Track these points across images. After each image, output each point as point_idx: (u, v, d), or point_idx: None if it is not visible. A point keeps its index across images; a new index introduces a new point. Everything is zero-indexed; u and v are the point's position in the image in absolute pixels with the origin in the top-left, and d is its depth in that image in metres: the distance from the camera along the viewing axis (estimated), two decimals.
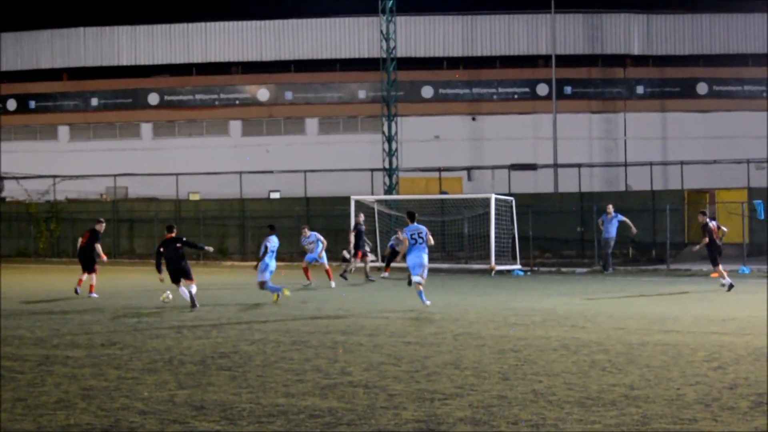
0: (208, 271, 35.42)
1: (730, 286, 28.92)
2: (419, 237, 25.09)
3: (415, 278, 25.07)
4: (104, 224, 32.07)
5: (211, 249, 29.54)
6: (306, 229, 34.78)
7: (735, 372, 13.96)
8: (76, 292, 29.90)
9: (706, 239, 30.10)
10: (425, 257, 25.11)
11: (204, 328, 19.73)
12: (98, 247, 30.48)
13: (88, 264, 30.22)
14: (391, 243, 38.23)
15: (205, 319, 21.74)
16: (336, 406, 11.83)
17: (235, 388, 13.04)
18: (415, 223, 25.51)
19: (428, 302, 24.80)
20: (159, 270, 26.00)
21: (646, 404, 11.81)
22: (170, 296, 27.01)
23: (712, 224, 30.62)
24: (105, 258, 30.97)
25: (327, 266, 33.85)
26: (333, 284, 32.85)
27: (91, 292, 29.47)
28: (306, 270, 34.11)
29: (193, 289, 25.70)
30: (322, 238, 34.06)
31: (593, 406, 11.70)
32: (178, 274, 26.07)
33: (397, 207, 44.92)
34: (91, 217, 54.97)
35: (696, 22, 67.01)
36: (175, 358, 15.73)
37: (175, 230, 26.95)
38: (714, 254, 30.11)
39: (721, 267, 29.91)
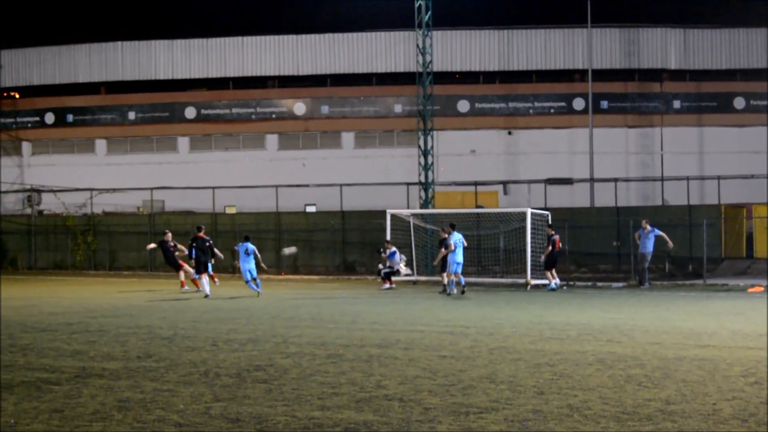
0: (243, 283, 35.40)
1: (550, 288, 37.52)
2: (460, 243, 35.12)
3: (455, 274, 35.00)
4: (169, 233, 40.14)
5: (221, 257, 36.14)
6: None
7: None
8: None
9: (549, 248, 38.44)
10: (461, 257, 35.22)
11: (239, 341, 19.74)
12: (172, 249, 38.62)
13: (174, 265, 38.65)
14: (389, 261, 39.61)
15: (240, 332, 21.76)
16: (371, 419, 11.82)
17: (271, 400, 13.04)
18: (455, 232, 35.34)
19: (455, 291, 34.50)
20: (190, 255, 34.85)
21: (682, 419, 11.74)
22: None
23: (556, 237, 38.91)
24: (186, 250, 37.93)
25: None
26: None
27: (182, 286, 37.77)
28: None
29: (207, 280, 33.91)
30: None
31: (629, 421, 11.64)
32: (203, 266, 34.18)
33: (432, 221, 44.94)
34: (128, 230, 55.39)
35: (733, 36, 66.71)
36: (210, 370, 15.76)
37: (204, 230, 35.65)
38: (554, 261, 38.57)
39: (553, 271, 38.35)
